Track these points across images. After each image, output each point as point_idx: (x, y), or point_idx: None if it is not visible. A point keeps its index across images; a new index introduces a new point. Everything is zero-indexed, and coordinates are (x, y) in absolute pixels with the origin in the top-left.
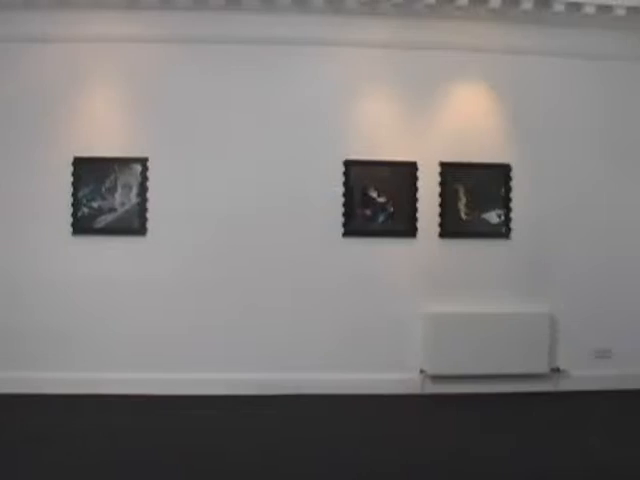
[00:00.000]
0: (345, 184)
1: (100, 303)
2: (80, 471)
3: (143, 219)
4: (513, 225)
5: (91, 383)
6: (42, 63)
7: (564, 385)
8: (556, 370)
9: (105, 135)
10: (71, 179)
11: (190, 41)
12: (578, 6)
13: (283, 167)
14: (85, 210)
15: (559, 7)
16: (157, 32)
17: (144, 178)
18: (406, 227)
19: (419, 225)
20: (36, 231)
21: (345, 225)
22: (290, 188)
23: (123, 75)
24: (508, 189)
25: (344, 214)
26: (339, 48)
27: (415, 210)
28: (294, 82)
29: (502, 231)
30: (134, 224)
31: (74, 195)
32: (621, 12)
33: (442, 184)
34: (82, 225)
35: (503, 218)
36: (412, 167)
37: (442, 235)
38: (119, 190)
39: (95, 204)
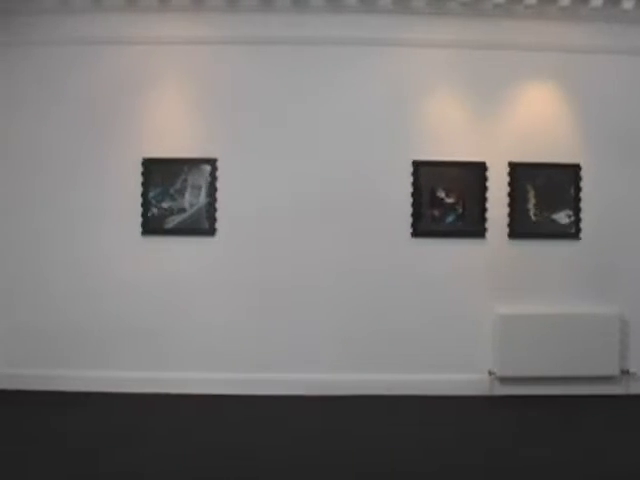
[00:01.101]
0: (414, 184)
1: (169, 303)
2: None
3: (212, 219)
4: (582, 226)
5: (157, 382)
6: (112, 66)
7: (635, 388)
8: (626, 372)
9: (174, 136)
10: (141, 180)
11: (257, 42)
12: None
13: (352, 167)
14: (155, 211)
15: (628, 4)
16: (225, 34)
17: (213, 179)
18: (475, 228)
19: (488, 226)
20: (107, 231)
21: (414, 225)
22: (359, 189)
23: (192, 76)
24: (578, 189)
25: (413, 214)
26: (407, 48)
27: (484, 211)
28: (363, 82)
29: (571, 232)
30: (203, 224)
31: (144, 196)
32: None
33: (511, 184)
34: (152, 225)
35: (573, 219)
36: (481, 167)
37: (511, 236)
38: (188, 191)
39: (165, 205)
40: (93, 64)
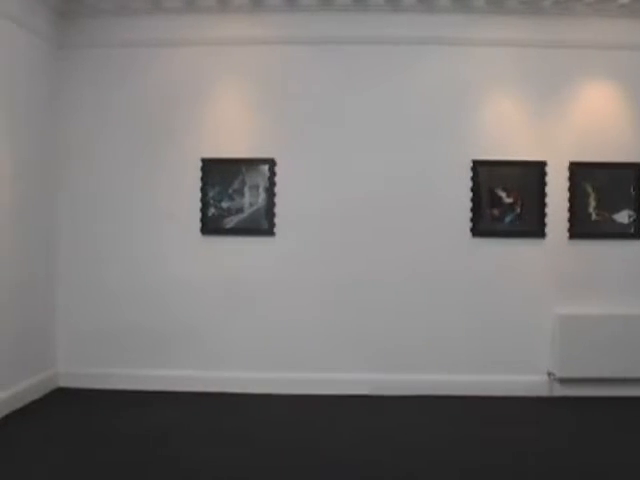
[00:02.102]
0: (473, 184)
1: (228, 303)
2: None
3: (271, 219)
4: None
5: (220, 382)
6: (170, 67)
7: None
8: None
9: (233, 136)
10: (200, 180)
11: (316, 42)
12: None
13: (411, 167)
14: (214, 211)
15: None
16: (282, 33)
17: (272, 179)
18: (534, 228)
19: (548, 226)
20: (166, 231)
21: (473, 225)
22: (418, 188)
23: (251, 77)
24: (639, 189)
25: (472, 214)
26: (467, 47)
27: (543, 210)
28: (422, 82)
29: (632, 232)
30: (262, 224)
31: (203, 196)
32: None
33: (571, 184)
34: (211, 225)
35: (633, 218)
36: (541, 167)
37: (572, 236)
38: (247, 191)
39: (224, 205)
40: (152, 66)
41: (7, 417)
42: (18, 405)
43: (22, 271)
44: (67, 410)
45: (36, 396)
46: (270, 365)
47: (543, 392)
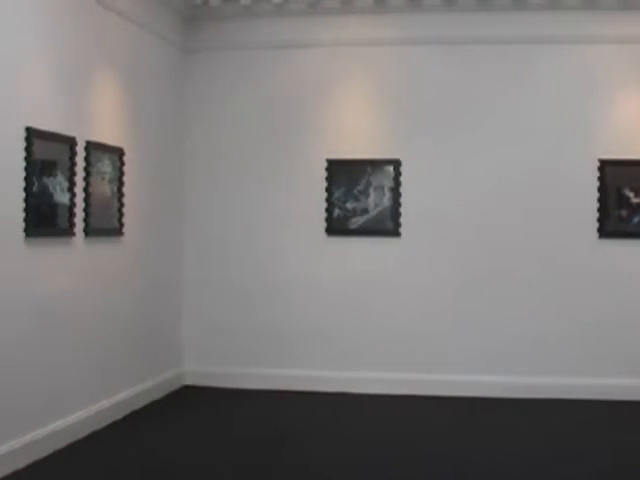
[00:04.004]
0: (600, 184)
1: (353, 303)
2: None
3: (396, 220)
4: None
5: (346, 382)
6: (295, 68)
7: None
8: None
9: (358, 137)
10: (325, 181)
11: (440, 42)
12: None
13: (537, 167)
14: (339, 211)
15: None
16: (408, 34)
17: (397, 179)
18: None
19: None
20: (292, 231)
21: (600, 226)
22: (544, 188)
23: (375, 77)
24: None
25: (599, 215)
26: (594, 45)
27: None
28: (547, 81)
29: None
30: (387, 225)
31: (328, 197)
32: None
33: None
34: (336, 226)
35: None
36: None
37: None
38: (372, 191)
39: (349, 205)
40: (277, 68)
41: (134, 413)
42: (145, 402)
43: (151, 271)
44: (192, 408)
45: (162, 394)
46: (396, 366)
47: None
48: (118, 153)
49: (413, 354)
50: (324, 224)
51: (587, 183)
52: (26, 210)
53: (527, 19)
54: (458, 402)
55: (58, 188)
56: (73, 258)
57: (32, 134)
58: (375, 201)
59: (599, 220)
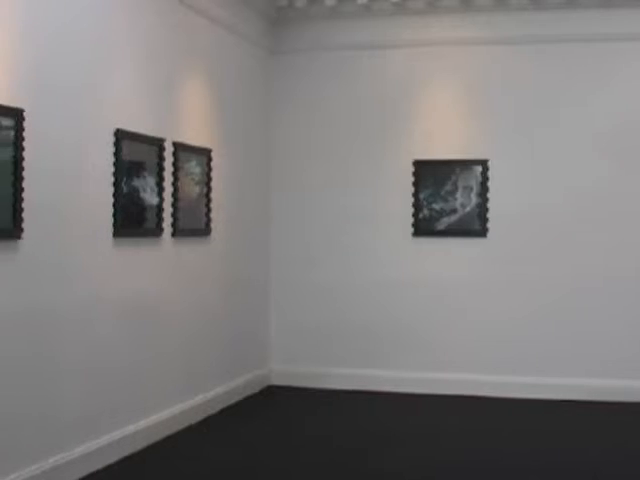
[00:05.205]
0: None
1: (440, 304)
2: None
3: (483, 221)
4: None
5: (433, 383)
6: (382, 69)
7: None
8: None
9: (445, 138)
10: (412, 182)
11: (527, 42)
12: None
13: (626, 168)
14: (426, 212)
15: None
16: (494, 34)
17: (484, 180)
18: None
19: None
20: (378, 231)
21: None
22: (634, 189)
23: (462, 77)
24: None
25: None
26: None
27: None
28: (636, 79)
29: None
30: (474, 226)
31: (415, 197)
32: None
33: None
34: (423, 227)
35: None
36: None
37: None
38: (459, 192)
39: (436, 206)
40: (363, 68)
41: (221, 412)
42: (230, 402)
43: (238, 271)
44: (278, 408)
45: (248, 394)
46: (483, 367)
47: None
48: (206, 154)
49: (499, 355)
50: (411, 225)
51: None
52: (115, 211)
53: (615, 16)
54: (547, 405)
55: (146, 189)
56: (161, 258)
57: (121, 136)
58: (462, 202)
59: None
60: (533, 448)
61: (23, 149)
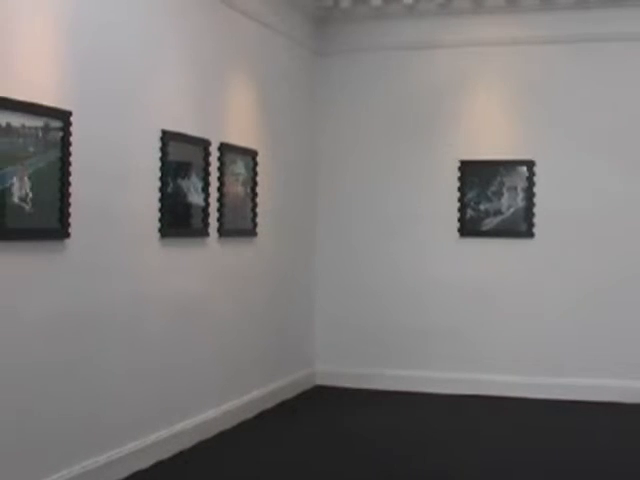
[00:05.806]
0: None
1: (486, 305)
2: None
3: (530, 222)
4: None
5: (480, 384)
6: (427, 69)
7: None
8: None
9: (491, 138)
10: (458, 182)
11: (574, 41)
12: None
13: None
14: (472, 212)
15: None
16: (540, 33)
17: (530, 180)
18: None
19: None
20: (424, 232)
21: None
22: None
23: (508, 77)
24: None
25: None
26: None
27: None
28: None
29: None
30: (521, 226)
31: (461, 198)
32: None
33: None
34: (469, 227)
35: None
36: None
37: None
38: (505, 193)
39: (481, 207)
40: (409, 68)
41: (265, 413)
42: (276, 401)
43: (284, 271)
44: (323, 408)
45: (294, 393)
46: (528, 369)
47: None
48: (252, 155)
49: (547, 357)
50: (457, 225)
51: None
52: (161, 211)
53: None
54: (592, 406)
55: (192, 189)
56: (207, 258)
57: (167, 137)
58: (508, 202)
59: None
60: (582, 448)
61: (70, 150)
